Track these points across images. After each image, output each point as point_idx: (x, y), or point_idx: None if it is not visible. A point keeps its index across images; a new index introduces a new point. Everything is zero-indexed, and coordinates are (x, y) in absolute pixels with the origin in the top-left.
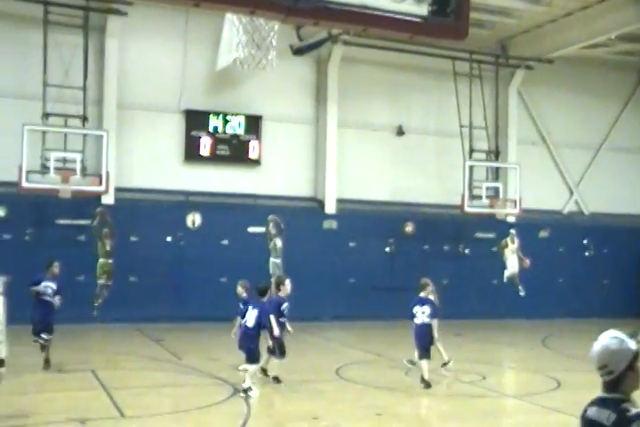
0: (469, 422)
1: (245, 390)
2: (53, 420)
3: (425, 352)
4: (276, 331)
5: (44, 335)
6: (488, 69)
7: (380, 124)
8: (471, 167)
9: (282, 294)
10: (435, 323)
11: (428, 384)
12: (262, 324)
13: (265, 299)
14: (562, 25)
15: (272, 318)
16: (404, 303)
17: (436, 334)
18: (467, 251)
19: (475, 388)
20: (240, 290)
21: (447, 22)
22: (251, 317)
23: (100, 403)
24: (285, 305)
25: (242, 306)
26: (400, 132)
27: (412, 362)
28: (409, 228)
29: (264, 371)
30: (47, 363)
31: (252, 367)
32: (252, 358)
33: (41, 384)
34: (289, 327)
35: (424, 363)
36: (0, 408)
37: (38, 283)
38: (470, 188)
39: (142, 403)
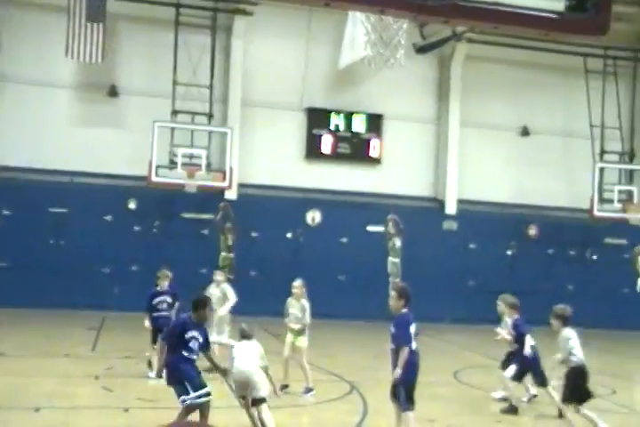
0: None
1: None
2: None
3: (514, 374)
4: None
5: None
6: (624, 65)
7: (503, 124)
8: (602, 169)
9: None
10: (525, 340)
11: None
12: None
13: None
14: None
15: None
16: (524, 309)
17: (526, 350)
18: (594, 257)
19: (604, 402)
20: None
21: (586, 17)
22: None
23: (221, 391)
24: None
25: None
26: (525, 132)
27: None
28: (532, 231)
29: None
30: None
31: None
32: None
33: None
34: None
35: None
36: (131, 392)
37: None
38: (600, 191)
39: None
